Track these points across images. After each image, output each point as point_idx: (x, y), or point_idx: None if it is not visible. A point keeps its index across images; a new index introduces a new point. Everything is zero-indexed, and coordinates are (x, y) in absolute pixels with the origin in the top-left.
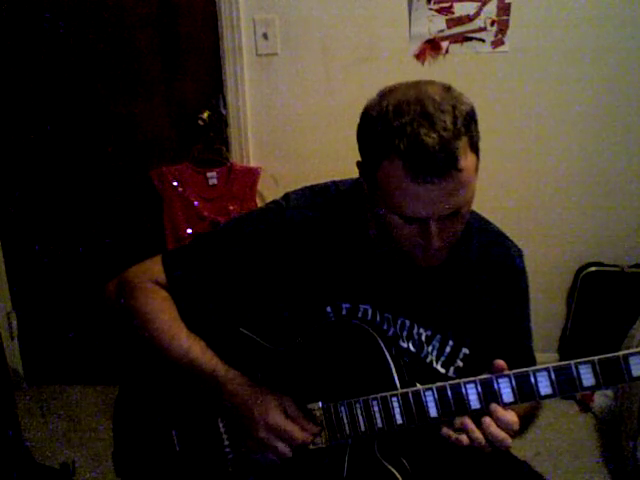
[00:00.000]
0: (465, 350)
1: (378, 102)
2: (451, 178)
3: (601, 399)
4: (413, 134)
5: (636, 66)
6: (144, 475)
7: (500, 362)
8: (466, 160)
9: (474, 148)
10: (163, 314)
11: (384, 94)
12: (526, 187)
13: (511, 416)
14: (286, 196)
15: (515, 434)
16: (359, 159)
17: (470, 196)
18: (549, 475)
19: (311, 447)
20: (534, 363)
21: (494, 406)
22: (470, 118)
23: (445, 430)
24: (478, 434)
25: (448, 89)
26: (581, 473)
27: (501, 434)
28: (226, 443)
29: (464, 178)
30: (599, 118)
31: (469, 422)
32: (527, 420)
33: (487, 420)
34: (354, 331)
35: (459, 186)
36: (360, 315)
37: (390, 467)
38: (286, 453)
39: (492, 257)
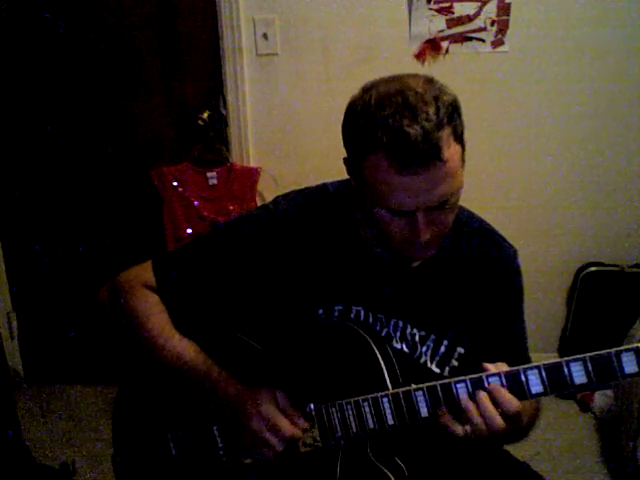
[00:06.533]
0: (460, 350)
1: (361, 96)
2: (435, 168)
3: (601, 399)
4: (396, 126)
5: (636, 66)
6: (143, 479)
7: (488, 366)
8: (450, 150)
9: (458, 138)
10: (154, 317)
11: (367, 88)
12: (526, 187)
13: (511, 396)
14: (275, 200)
15: (512, 425)
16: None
17: (457, 186)
18: (549, 475)
19: (303, 449)
20: (529, 362)
21: (493, 385)
22: (453, 109)
23: (445, 418)
24: (478, 418)
25: (430, 81)
26: (581, 473)
27: (494, 412)
28: (220, 445)
29: (449, 168)
30: (599, 118)
31: (471, 405)
32: (519, 432)
33: (482, 395)
34: (345, 332)
35: (444, 176)
36: (353, 316)
37: (383, 468)
38: (277, 446)
39: (488, 257)
